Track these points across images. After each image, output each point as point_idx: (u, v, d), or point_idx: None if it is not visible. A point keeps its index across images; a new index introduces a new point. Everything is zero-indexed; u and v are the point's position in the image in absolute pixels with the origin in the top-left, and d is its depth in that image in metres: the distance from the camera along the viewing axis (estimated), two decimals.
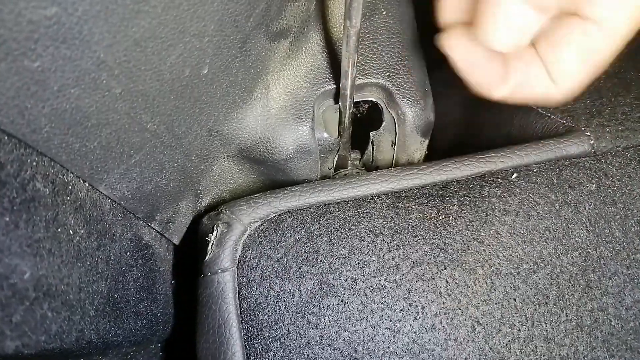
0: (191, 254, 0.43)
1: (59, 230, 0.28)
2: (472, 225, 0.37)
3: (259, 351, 0.35)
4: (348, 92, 0.37)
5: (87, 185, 0.31)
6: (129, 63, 0.27)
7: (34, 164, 0.27)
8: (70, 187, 0.30)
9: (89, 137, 0.28)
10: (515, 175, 0.40)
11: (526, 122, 0.47)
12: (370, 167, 0.47)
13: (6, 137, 0.25)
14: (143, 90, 0.29)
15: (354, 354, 0.34)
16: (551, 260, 0.37)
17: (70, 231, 0.29)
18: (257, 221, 0.38)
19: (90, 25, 0.24)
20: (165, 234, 0.42)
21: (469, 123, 0.52)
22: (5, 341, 0.24)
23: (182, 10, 0.28)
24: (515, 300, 0.35)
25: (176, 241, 0.44)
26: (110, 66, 0.26)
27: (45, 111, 0.25)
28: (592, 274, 0.37)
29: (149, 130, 0.32)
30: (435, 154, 0.51)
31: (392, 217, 0.38)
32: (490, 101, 0.53)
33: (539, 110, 0.46)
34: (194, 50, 0.30)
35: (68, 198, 0.29)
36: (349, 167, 0.47)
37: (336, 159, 0.44)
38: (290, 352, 0.34)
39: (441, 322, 0.35)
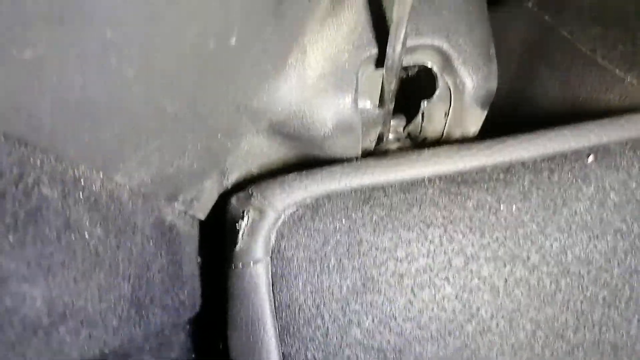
0: (219, 229, 0.40)
1: (73, 237, 0.24)
2: (538, 217, 0.33)
3: (295, 351, 0.32)
4: (396, 58, 0.31)
5: (101, 176, 0.27)
6: (142, 41, 0.22)
7: (38, 164, 0.23)
8: (82, 183, 0.26)
9: (100, 128, 0.24)
10: (591, 157, 0.34)
11: (599, 87, 0.40)
12: (417, 138, 0.42)
13: (2, 139, 0.20)
14: (160, 71, 0.24)
15: (399, 358, 0.31)
16: (626, 259, 0.32)
17: (86, 234, 0.26)
18: (292, 206, 0.34)
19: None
20: (189, 212, 0.38)
21: (522, 86, 0.45)
22: None
23: None
24: (582, 302, 0.32)
25: (202, 217, 0.41)
26: (119, 47, 0.21)
27: (45, 106, 0.21)
28: None
29: (168, 114, 0.27)
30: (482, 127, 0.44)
31: (445, 205, 0.33)
32: (552, 56, 0.45)
33: (616, 72, 0.39)
34: (219, 18, 0.25)
35: (80, 196, 0.26)
36: (391, 137, 0.42)
37: (379, 131, 0.39)
38: (329, 353, 0.32)
39: (497, 325, 0.31)
